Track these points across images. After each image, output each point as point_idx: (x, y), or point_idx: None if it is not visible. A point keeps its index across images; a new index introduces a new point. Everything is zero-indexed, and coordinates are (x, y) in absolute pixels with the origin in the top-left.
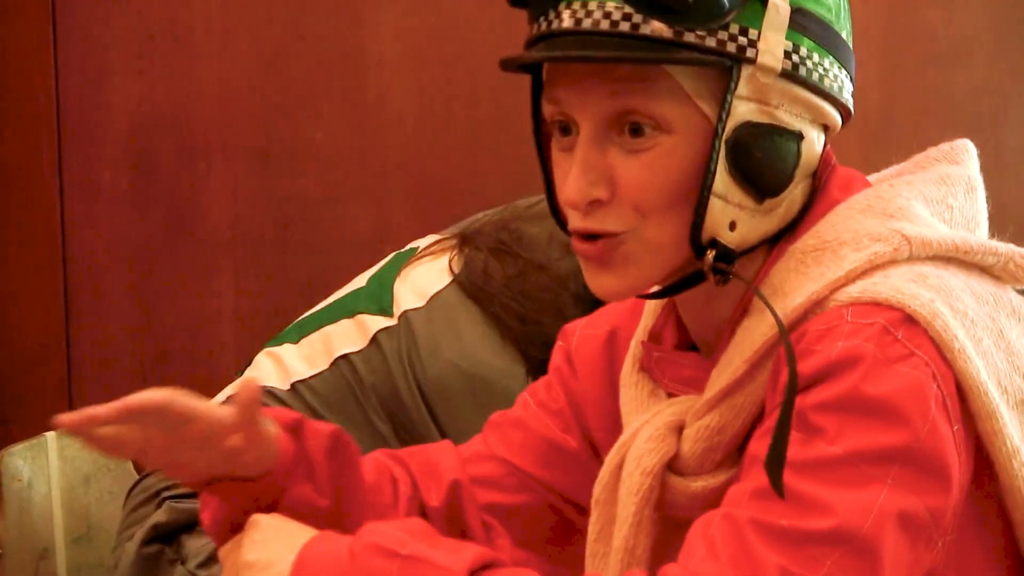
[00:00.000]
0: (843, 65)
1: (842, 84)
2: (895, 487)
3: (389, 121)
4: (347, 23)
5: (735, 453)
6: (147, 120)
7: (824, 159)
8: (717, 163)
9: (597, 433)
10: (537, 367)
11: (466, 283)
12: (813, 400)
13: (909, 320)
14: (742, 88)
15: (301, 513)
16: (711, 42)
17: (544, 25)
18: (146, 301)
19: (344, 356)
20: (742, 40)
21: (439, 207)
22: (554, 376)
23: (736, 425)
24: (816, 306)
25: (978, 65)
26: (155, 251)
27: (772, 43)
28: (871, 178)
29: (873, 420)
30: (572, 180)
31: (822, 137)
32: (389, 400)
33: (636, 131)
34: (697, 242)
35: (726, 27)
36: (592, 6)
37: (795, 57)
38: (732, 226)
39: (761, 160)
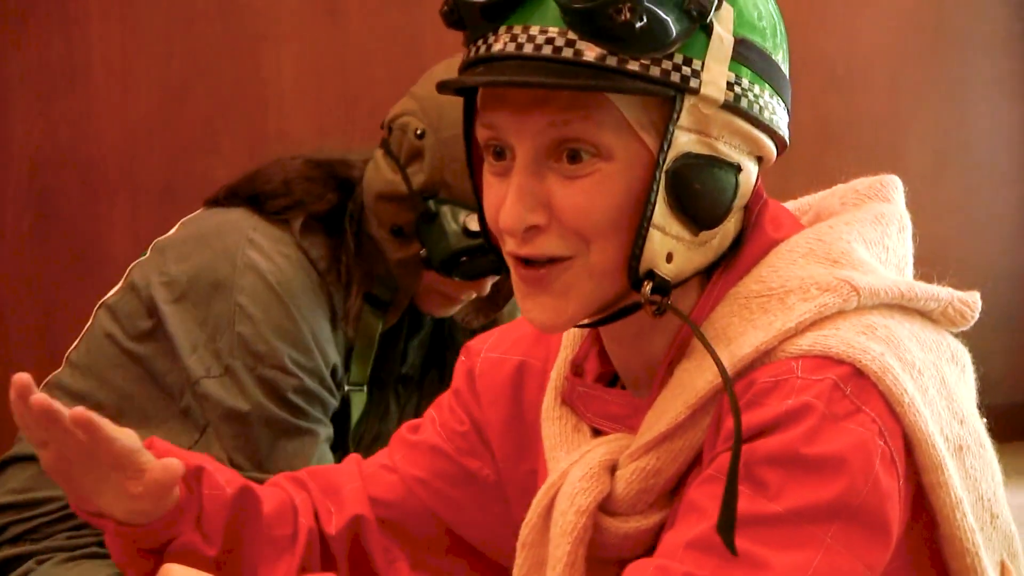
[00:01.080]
0: (780, 95)
1: (778, 115)
2: (833, 546)
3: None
4: (246, 60)
5: (668, 494)
6: (49, 159)
7: (756, 192)
8: (657, 194)
9: (501, 463)
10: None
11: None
12: (758, 453)
13: (859, 374)
14: (684, 119)
15: (189, 560)
16: (655, 71)
17: (483, 48)
18: (51, 338)
19: (103, 304)
20: (686, 70)
21: None
22: (456, 399)
23: (672, 468)
24: (765, 356)
25: (877, 91)
26: (59, 289)
27: (715, 74)
28: (791, 208)
29: (815, 478)
30: (508, 206)
31: (755, 169)
32: (139, 319)
33: (574, 157)
34: (635, 273)
35: (670, 56)
36: (534, 31)
37: (737, 88)
38: (669, 258)
39: (700, 192)
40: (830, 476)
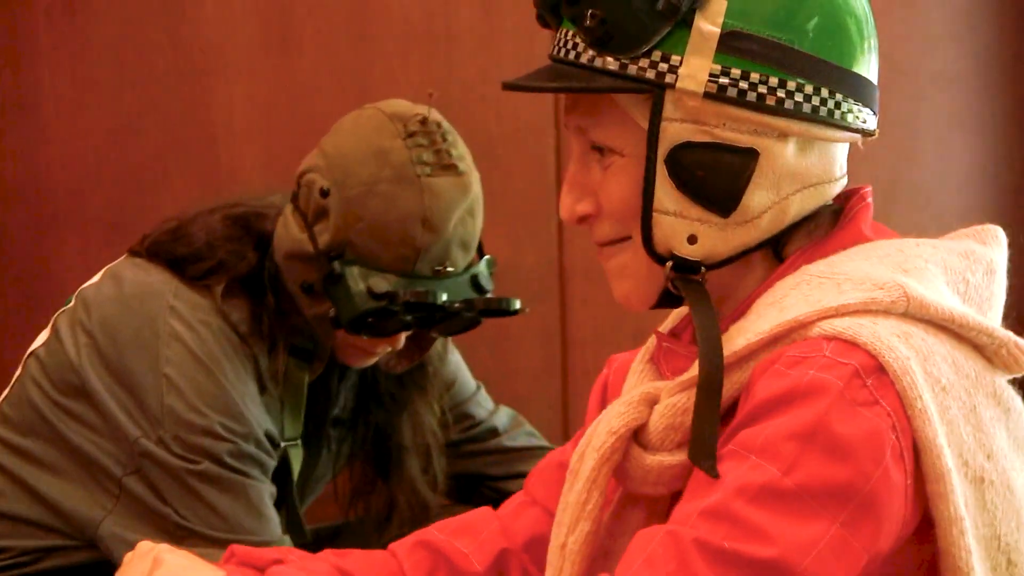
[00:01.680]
0: (821, 84)
1: (807, 102)
2: (841, 527)
3: (240, 191)
4: (197, 94)
5: None
6: None
7: (857, 192)
8: (654, 182)
9: None
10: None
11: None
12: (776, 425)
13: (880, 369)
14: (671, 111)
15: None
16: (632, 69)
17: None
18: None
19: (32, 354)
20: (663, 66)
21: None
22: (592, 405)
23: None
24: (801, 327)
25: None
26: (7, 325)
27: (695, 67)
28: None
29: (829, 458)
30: (561, 199)
31: (811, 148)
32: (67, 374)
33: (600, 150)
34: (653, 255)
35: (648, 54)
36: (561, 35)
37: (724, 79)
38: (692, 239)
39: (705, 178)
40: (843, 457)
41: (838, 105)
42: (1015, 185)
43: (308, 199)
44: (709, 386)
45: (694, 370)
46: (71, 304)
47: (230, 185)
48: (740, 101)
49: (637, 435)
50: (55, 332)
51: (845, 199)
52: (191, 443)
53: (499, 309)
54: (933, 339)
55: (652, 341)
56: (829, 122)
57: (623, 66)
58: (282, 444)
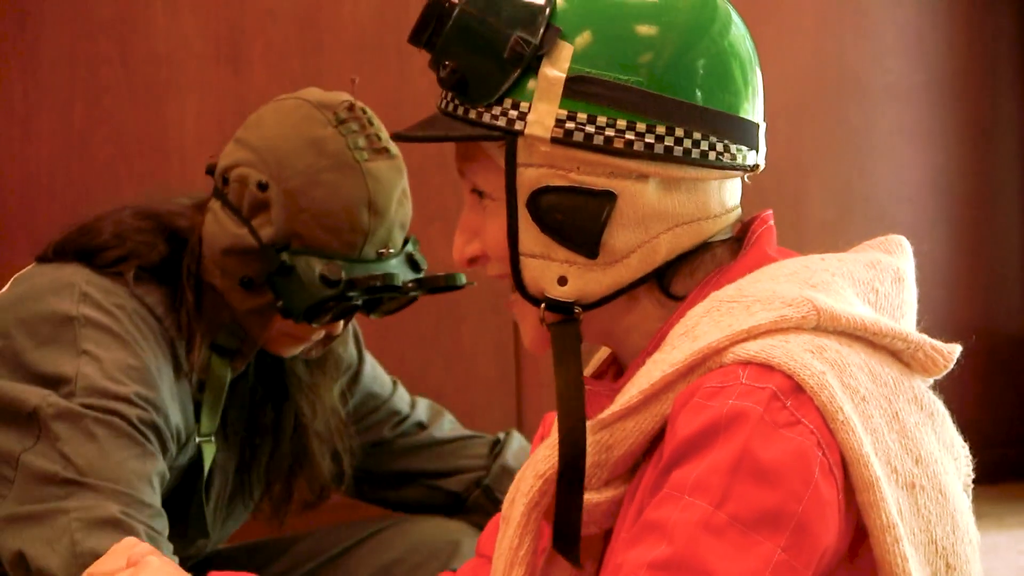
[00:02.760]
0: (675, 123)
1: (660, 143)
2: (783, 552)
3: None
4: (147, 107)
5: (625, 474)
6: None
7: (760, 216)
8: (517, 225)
9: None
10: None
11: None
12: (703, 461)
13: (798, 388)
14: (526, 156)
15: None
16: (486, 117)
17: None
18: None
19: None
20: (512, 113)
21: None
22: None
23: (623, 448)
24: (715, 354)
25: (779, 142)
26: None
27: (542, 113)
28: None
29: (758, 485)
30: (454, 240)
31: (678, 187)
32: None
33: (480, 194)
34: (528, 297)
35: (500, 102)
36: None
37: (570, 124)
38: (562, 281)
39: (564, 220)
40: (772, 482)
41: (697, 144)
42: (967, 196)
43: (242, 194)
44: (569, 471)
45: (615, 406)
46: None
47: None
48: (587, 145)
49: None
50: None
51: (746, 227)
52: (102, 405)
53: (448, 285)
54: (847, 350)
55: None
56: (689, 161)
57: (479, 114)
58: (197, 439)
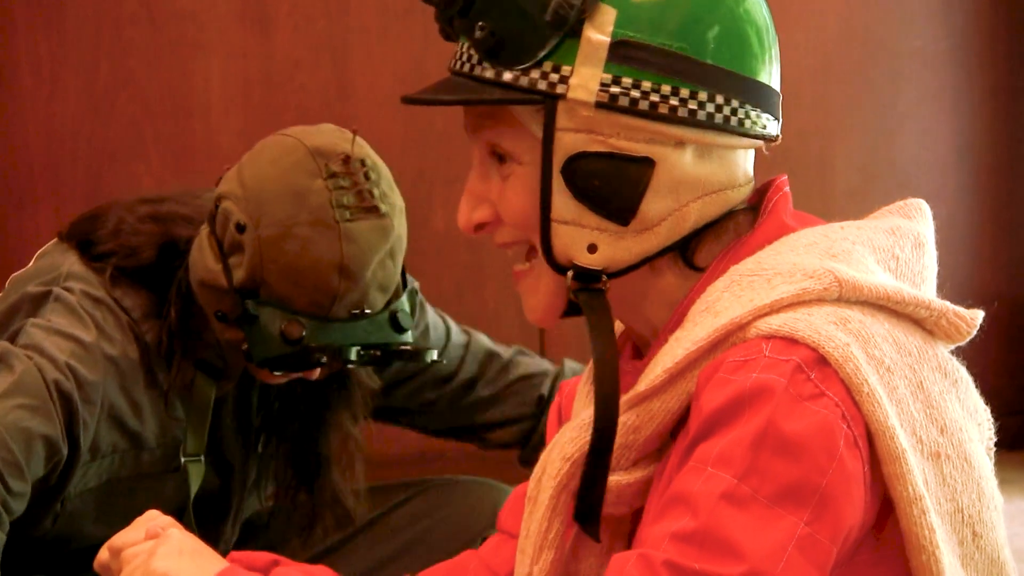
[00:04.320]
0: (716, 91)
1: (702, 109)
2: (806, 526)
3: (217, 166)
4: (174, 67)
5: (653, 454)
6: None
7: (775, 183)
8: (551, 191)
9: None
10: None
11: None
12: (728, 434)
13: (822, 361)
14: (565, 121)
15: None
16: (524, 81)
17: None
18: None
19: None
20: (553, 77)
21: None
22: (549, 434)
23: (650, 428)
24: (739, 329)
25: (804, 107)
26: None
27: (585, 77)
28: None
29: (782, 458)
30: (459, 206)
31: (710, 155)
32: None
33: (501, 159)
34: (554, 265)
35: (539, 65)
36: (459, 50)
37: (615, 88)
38: (592, 248)
39: (601, 187)
40: (795, 455)
41: (734, 112)
42: (993, 163)
43: (224, 229)
44: (601, 443)
45: (640, 386)
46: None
47: (206, 159)
48: (632, 110)
49: None
50: None
51: (761, 194)
52: (33, 357)
53: (412, 359)
54: (871, 320)
55: (591, 363)
56: (726, 129)
57: (515, 78)
58: (183, 459)
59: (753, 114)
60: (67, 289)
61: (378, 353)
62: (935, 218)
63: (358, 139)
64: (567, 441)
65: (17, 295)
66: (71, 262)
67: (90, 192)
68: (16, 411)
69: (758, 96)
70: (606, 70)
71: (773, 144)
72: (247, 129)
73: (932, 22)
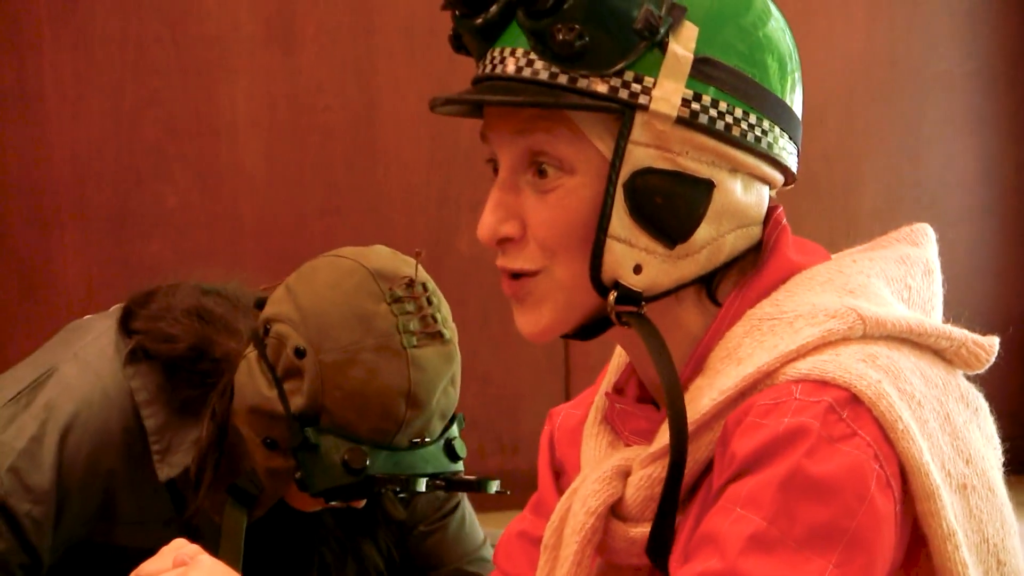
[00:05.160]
0: (774, 121)
1: (764, 137)
2: (835, 568)
3: (241, 186)
4: (199, 88)
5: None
6: None
7: (774, 217)
8: (612, 206)
9: None
10: None
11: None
12: (757, 478)
13: (855, 400)
14: (639, 134)
15: None
16: (603, 88)
17: (479, 69)
18: (1, 369)
19: None
20: (636, 87)
21: (292, 272)
22: (542, 466)
23: None
24: (766, 377)
25: (830, 129)
26: (8, 318)
27: (668, 91)
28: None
29: (811, 500)
30: (483, 217)
31: (752, 187)
32: None
33: (542, 172)
34: (598, 282)
35: (620, 73)
36: (506, 52)
37: (695, 105)
38: (637, 269)
39: (663, 206)
40: (825, 498)
41: (783, 146)
42: (1018, 184)
43: (279, 354)
44: (676, 470)
45: (662, 438)
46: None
47: (231, 179)
48: (709, 129)
49: (614, 508)
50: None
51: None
52: None
53: (479, 489)
54: (897, 354)
55: (600, 399)
56: (774, 160)
57: (590, 84)
58: None
59: (789, 147)
60: (79, 358)
61: (443, 483)
62: (960, 239)
63: (418, 266)
64: (590, 494)
65: (52, 353)
66: (105, 328)
67: (115, 212)
68: None
69: (795, 129)
70: (688, 86)
71: (783, 189)
72: (271, 150)
73: (957, 45)
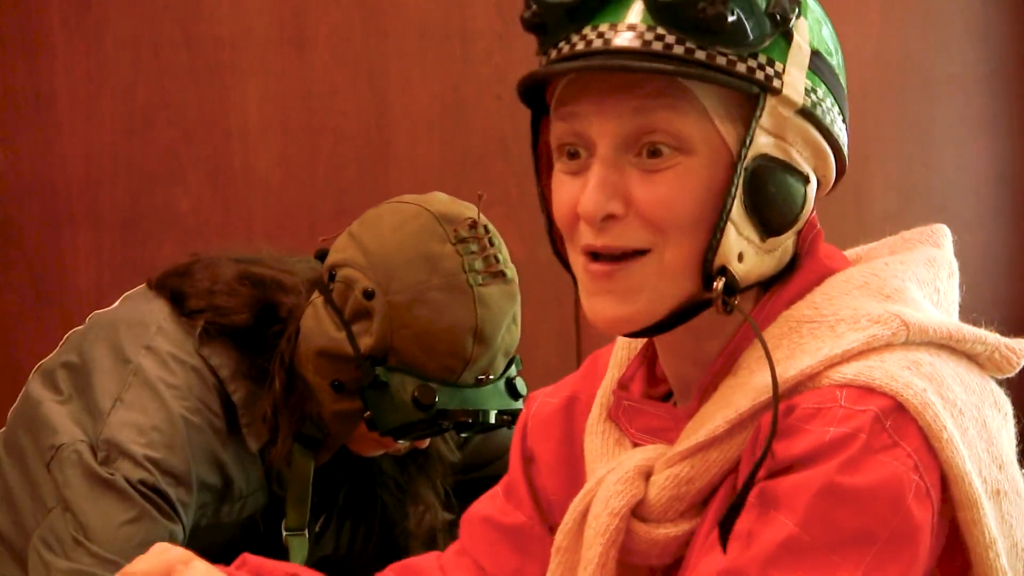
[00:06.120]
0: (844, 114)
1: (844, 133)
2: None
3: (254, 189)
4: (210, 90)
5: (699, 505)
6: (11, 189)
7: (810, 219)
8: (738, 188)
9: (552, 495)
10: None
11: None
12: (795, 483)
13: (899, 408)
14: (765, 119)
15: None
16: (741, 67)
17: (567, 48)
18: (11, 372)
19: (39, 368)
20: (769, 71)
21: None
22: (512, 450)
23: (705, 479)
24: (809, 380)
25: None
26: (20, 321)
27: (795, 78)
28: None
29: (846, 508)
30: (589, 193)
31: (814, 189)
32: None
33: (654, 152)
34: (709, 268)
35: (755, 56)
36: (621, 27)
37: (813, 96)
38: (740, 257)
39: (774, 195)
40: (859, 506)
41: (845, 145)
42: None
43: (346, 296)
44: (754, 472)
45: (699, 435)
46: (84, 325)
47: (244, 182)
48: (822, 123)
49: (636, 509)
50: (62, 349)
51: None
52: (112, 459)
53: None
54: (938, 360)
55: (604, 395)
56: (843, 162)
57: (730, 63)
58: (284, 532)
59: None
60: (153, 349)
61: (509, 418)
62: (973, 243)
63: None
64: (613, 495)
65: (105, 342)
66: (162, 316)
67: (127, 215)
68: (122, 529)
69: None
70: (807, 76)
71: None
72: (285, 152)
73: (969, 48)
